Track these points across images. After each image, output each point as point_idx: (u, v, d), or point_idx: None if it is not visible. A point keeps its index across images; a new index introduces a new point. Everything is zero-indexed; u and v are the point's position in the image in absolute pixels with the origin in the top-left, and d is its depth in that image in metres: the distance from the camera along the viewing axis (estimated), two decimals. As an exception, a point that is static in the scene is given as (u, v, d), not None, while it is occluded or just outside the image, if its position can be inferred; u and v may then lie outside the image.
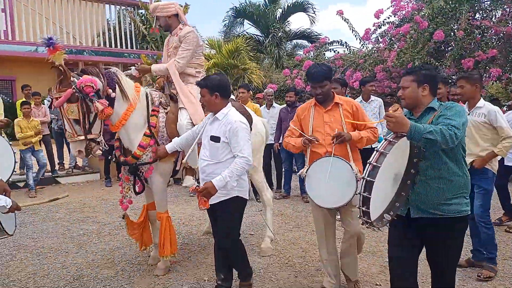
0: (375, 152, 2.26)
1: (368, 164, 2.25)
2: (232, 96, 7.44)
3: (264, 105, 7.43)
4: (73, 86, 3.41)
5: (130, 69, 4.38)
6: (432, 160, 2.43)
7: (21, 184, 7.59)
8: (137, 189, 3.97)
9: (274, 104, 7.36)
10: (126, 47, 14.30)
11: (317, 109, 3.36)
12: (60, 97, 3.43)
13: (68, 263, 4.31)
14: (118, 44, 14.17)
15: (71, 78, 3.44)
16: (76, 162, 8.43)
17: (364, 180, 2.23)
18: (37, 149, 7.38)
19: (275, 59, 15.07)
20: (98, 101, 3.46)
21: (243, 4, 17.37)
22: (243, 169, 3.03)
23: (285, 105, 7.00)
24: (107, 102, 3.53)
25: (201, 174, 3.26)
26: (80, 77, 3.46)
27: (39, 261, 4.37)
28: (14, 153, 3.72)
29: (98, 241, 5.01)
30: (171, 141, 3.73)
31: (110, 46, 14.12)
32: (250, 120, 4.37)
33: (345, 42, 9.35)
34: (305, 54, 10.28)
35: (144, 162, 3.79)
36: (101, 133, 3.70)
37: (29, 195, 7.10)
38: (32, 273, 4.06)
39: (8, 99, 13.43)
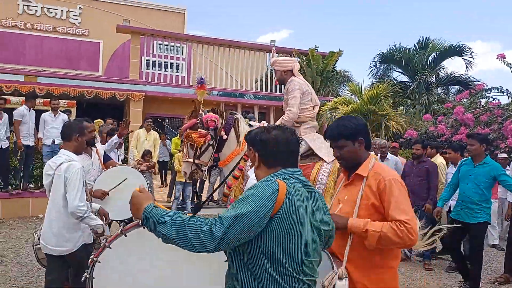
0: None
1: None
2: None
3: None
4: (198, 118, 4.05)
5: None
6: (231, 260, 1.70)
7: (165, 211, 8.66)
8: None
9: (389, 156, 6.78)
10: (280, 91, 15.25)
11: (345, 178, 2.39)
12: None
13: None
14: (273, 88, 15.23)
15: (200, 112, 4.09)
16: (212, 195, 9.21)
17: None
18: (188, 182, 8.35)
19: (424, 105, 13.90)
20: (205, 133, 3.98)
21: (391, 49, 16.73)
22: None
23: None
24: (208, 134, 3.99)
25: None
26: (207, 113, 4.09)
27: None
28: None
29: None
30: None
31: (267, 90, 15.30)
32: None
33: (506, 89, 8.09)
34: (458, 101, 9.25)
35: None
36: (209, 162, 4.16)
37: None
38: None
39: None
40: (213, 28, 71.09)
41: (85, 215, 3.12)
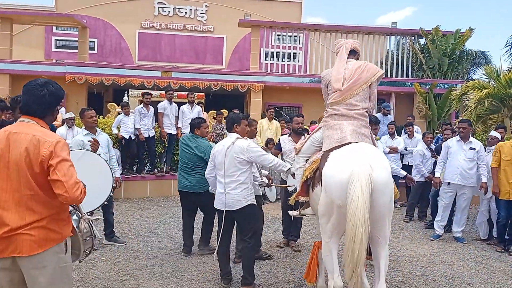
0: None
1: None
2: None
3: None
4: None
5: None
6: None
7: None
8: None
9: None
10: (402, 76, 14.55)
11: None
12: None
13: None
14: (393, 73, 14.59)
15: None
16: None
17: None
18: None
19: None
20: None
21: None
22: None
23: None
24: None
25: None
26: None
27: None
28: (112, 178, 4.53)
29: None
30: None
31: (386, 75, 14.72)
32: None
33: None
34: None
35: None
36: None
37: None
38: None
39: (296, 122, 16.06)
40: (331, 13, 69.19)
41: None
